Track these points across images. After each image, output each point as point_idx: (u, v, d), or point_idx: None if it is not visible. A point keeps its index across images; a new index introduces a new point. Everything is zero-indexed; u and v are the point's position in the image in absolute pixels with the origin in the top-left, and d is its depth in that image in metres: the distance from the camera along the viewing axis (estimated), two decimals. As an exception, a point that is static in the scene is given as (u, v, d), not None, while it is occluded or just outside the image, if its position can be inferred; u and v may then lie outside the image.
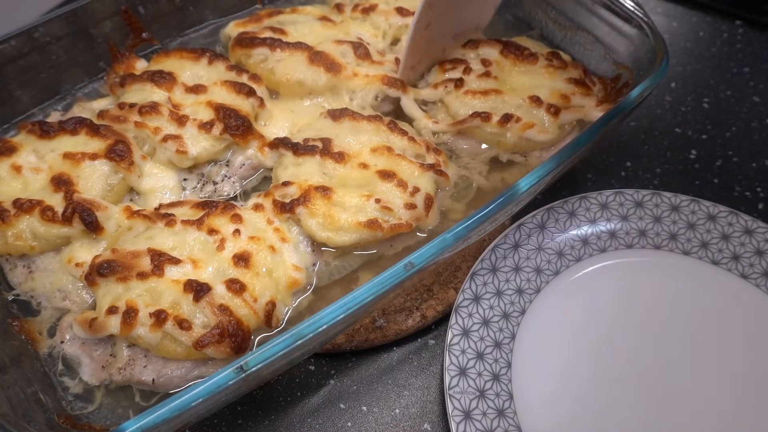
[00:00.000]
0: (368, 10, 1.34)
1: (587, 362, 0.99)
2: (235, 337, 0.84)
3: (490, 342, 0.99)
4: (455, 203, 1.09)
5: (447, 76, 1.19)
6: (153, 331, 0.83)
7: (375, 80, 1.19)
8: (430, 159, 1.07)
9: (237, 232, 0.94)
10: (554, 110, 1.10)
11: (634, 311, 1.04)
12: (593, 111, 1.12)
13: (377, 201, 0.98)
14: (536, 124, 1.09)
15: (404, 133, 1.09)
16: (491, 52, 1.21)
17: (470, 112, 1.11)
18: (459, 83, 1.16)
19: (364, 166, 1.03)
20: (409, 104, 1.19)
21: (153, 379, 0.86)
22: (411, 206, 0.98)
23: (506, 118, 1.09)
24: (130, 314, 0.84)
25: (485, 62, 1.19)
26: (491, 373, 0.96)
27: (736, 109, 1.44)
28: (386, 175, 1.01)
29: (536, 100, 1.11)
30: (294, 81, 1.18)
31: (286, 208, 0.99)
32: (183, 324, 0.83)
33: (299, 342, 0.74)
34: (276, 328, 0.92)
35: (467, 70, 1.18)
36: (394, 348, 1.08)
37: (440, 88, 1.17)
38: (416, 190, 1.00)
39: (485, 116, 1.09)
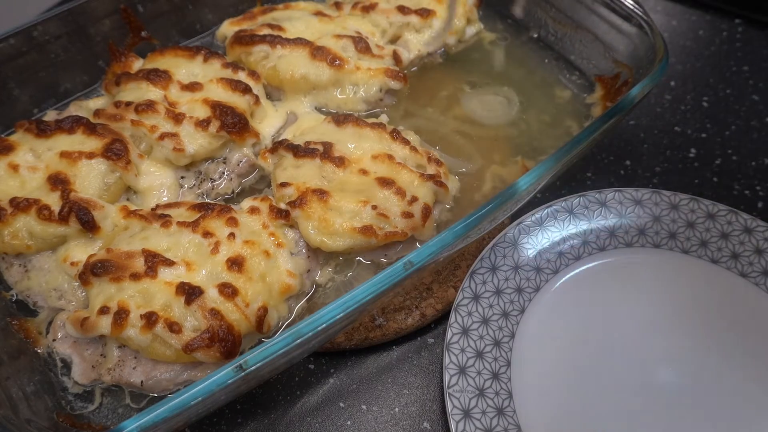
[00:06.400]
0: (368, 8, 1.34)
1: (586, 360, 0.99)
2: (225, 342, 0.83)
3: (489, 341, 0.99)
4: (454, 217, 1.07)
5: None
6: (143, 333, 0.83)
7: (378, 73, 1.20)
8: (431, 170, 1.06)
9: (232, 235, 0.93)
10: None
11: (633, 310, 1.04)
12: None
13: (374, 207, 0.97)
14: None
15: (406, 142, 1.08)
16: None
17: None
18: None
19: (364, 172, 1.02)
20: None
21: (141, 381, 0.85)
22: (408, 215, 0.97)
23: None
24: (121, 315, 0.83)
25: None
26: (491, 371, 0.96)
27: (735, 107, 1.44)
28: (385, 182, 1.00)
29: None
30: (298, 77, 1.19)
31: (282, 214, 0.98)
32: (173, 327, 0.83)
33: (298, 341, 0.74)
34: (267, 333, 0.91)
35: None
36: (394, 347, 1.08)
37: None
38: (414, 199, 0.99)
39: None
